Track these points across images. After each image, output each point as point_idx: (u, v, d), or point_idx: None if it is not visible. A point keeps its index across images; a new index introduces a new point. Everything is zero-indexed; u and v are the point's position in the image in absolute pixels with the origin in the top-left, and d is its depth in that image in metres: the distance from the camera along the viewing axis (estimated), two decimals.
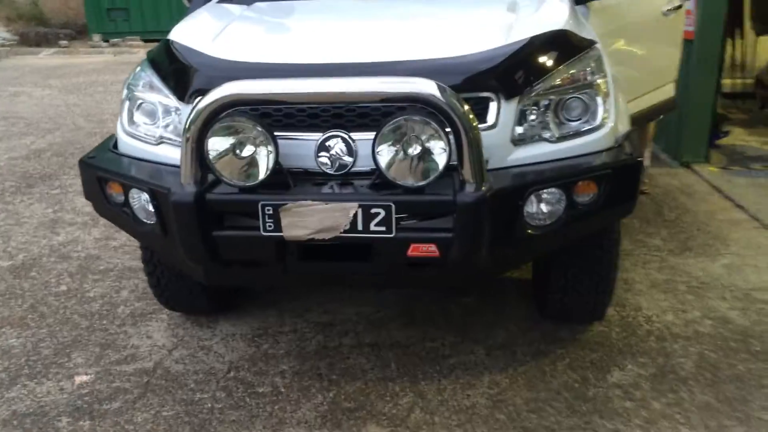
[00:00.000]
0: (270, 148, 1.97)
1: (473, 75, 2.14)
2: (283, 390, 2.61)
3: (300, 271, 2.11)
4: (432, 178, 1.96)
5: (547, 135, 2.21)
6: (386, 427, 2.40)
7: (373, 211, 1.96)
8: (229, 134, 1.98)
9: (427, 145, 1.95)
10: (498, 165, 2.13)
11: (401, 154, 1.95)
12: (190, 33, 2.53)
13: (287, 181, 2.04)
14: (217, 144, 1.98)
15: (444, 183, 1.98)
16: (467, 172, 1.94)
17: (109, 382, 2.69)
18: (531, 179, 2.08)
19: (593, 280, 2.65)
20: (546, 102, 2.21)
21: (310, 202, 1.96)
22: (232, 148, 1.98)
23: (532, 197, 2.07)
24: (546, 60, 2.26)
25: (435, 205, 1.96)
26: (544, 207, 2.10)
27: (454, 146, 1.93)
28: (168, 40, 2.52)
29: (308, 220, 1.96)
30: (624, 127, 2.40)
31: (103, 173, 2.31)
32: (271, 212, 1.98)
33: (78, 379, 2.72)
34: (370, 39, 2.40)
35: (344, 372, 2.71)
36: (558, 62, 2.27)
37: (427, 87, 1.91)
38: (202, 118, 1.95)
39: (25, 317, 3.19)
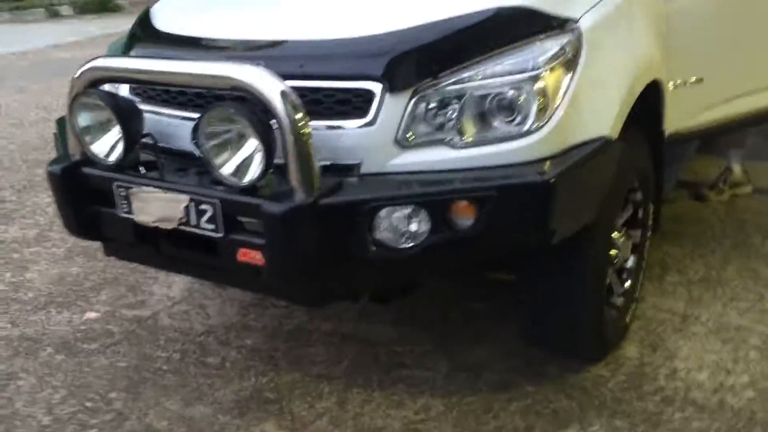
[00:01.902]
0: (122, 128, 1.92)
1: (349, 61, 1.85)
2: (227, 365, 2.62)
3: (170, 255, 2.05)
4: (252, 178, 1.75)
5: (448, 138, 1.83)
6: (283, 429, 2.28)
7: (202, 207, 1.82)
8: (89, 110, 1.97)
9: (246, 140, 1.74)
10: (375, 170, 1.84)
11: (220, 148, 1.78)
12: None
13: (157, 163, 1.98)
14: (81, 119, 1.99)
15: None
16: (292, 175, 1.70)
17: (106, 323, 2.94)
18: (382, 193, 1.75)
19: (566, 313, 2.19)
20: (455, 97, 1.82)
21: (151, 189, 1.89)
22: (95, 125, 1.98)
23: (386, 214, 1.74)
24: (464, 45, 1.86)
25: (249, 209, 1.75)
26: (404, 226, 1.76)
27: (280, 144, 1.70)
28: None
29: (151, 206, 1.90)
30: (583, 135, 1.90)
31: None
32: (123, 194, 1.95)
33: (87, 315, 3.02)
34: (284, 14, 2.16)
35: (295, 359, 2.63)
36: (482, 49, 1.85)
37: (245, 74, 1.69)
38: (71, 92, 1.97)
39: (97, 250, 3.57)
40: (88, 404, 2.45)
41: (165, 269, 2.08)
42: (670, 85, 2.68)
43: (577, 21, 1.97)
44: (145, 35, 2.20)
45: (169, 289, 3.18)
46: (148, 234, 1.98)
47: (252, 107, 1.70)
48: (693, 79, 2.79)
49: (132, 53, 2.10)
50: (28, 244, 3.70)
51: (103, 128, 1.97)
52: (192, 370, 2.61)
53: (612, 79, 2.02)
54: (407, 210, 1.73)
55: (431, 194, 1.74)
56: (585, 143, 1.90)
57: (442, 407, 2.34)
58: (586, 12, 2.02)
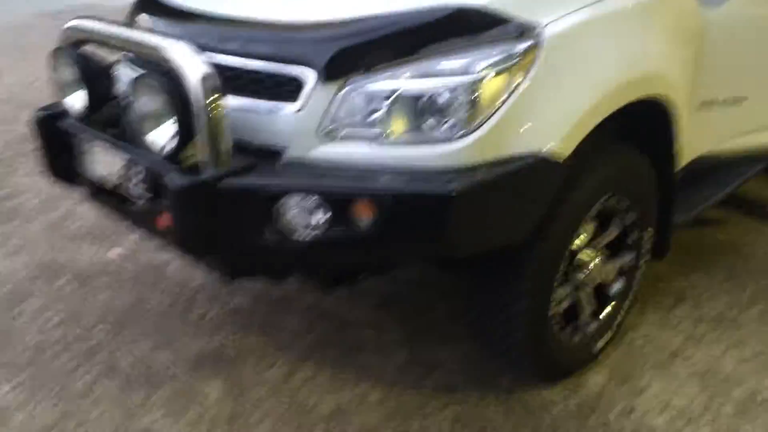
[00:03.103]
0: (86, 87, 2.06)
1: (289, 45, 1.87)
2: (205, 320, 2.78)
3: (132, 214, 2.15)
4: (168, 149, 1.82)
5: (373, 134, 1.82)
6: (226, 390, 2.40)
7: (132, 171, 1.93)
8: (65, 67, 2.13)
9: (159, 111, 1.81)
10: (299, 156, 1.86)
11: (143, 116, 1.86)
12: None
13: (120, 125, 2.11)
14: (59, 73, 2.15)
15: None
16: (200, 152, 1.76)
17: (123, 262, 3.18)
18: (285, 181, 1.77)
19: (501, 325, 2.13)
20: (386, 94, 1.80)
21: (99, 147, 2.03)
22: (69, 81, 2.13)
23: (287, 203, 1.76)
24: (404, 42, 1.82)
25: (160, 178, 1.82)
26: (304, 218, 1.77)
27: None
28: None
29: (98, 163, 2.05)
30: (518, 148, 1.81)
31: None
32: (81, 148, 2.10)
33: (112, 252, 3.28)
34: None
35: (267, 325, 2.74)
36: (422, 47, 1.80)
37: (173, 50, 1.76)
38: (54, 48, 2.14)
39: None
40: (75, 332, 2.69)
41: (122, 221, 2.22)
42: (698, 103, 2.46)
43: (540, 28, 1.85)
44: (144, 3, 2.33)
45: None
46: (106, 189, 2.13)
47: (175, 83, 1.77)
48: (731, 97, 2.54)
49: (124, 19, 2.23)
50: None
51: (75, 85, 2.12)
52: (174, 318, 2.78)
53: (571, 93, 1.88)
54: (308, 202, 1.75)
55: (331, 189, 1.74)
56: (518, 157, 1.81)
57: (378, 396, 2.36)
58: (555, 19, 1.89)
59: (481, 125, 1.78)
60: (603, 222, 2.29)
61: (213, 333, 2.68)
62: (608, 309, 2.44)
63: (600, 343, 2.44)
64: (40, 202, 3.70)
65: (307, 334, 2.68)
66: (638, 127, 2.27)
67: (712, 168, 2.89)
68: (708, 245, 3.25)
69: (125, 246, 3.31)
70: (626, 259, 2.43)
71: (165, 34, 1.94)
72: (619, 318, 2.48)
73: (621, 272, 2.45)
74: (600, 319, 2.42)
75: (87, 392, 2.37)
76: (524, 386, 2.38)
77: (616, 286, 2.45)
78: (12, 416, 2.27)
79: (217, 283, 2.96)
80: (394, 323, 2.73)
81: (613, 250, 2.38)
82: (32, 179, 3.90)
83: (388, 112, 1.80)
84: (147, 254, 3.22)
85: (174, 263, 3.15)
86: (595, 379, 2.42)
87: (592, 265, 2.27)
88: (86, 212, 3.61)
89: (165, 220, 1.87)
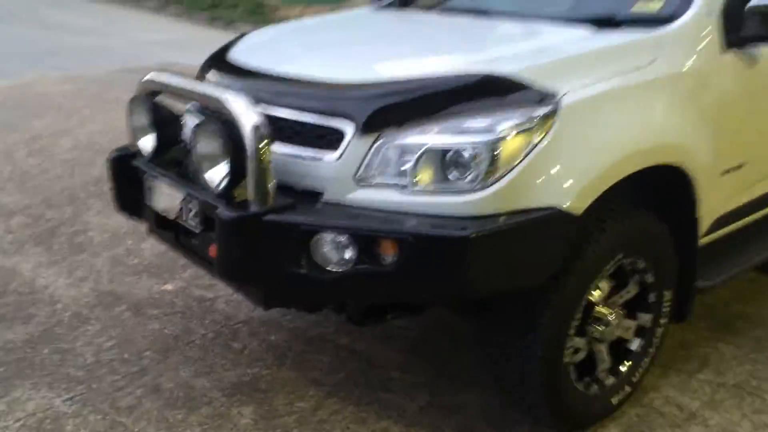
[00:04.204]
0: (155, 131, 2.35)
1: (332, 101, 2.12)
2: (245, 353, 2.97)
3: (186, 246, 2.41)
4: (223, 185, 2.07)
5: (402, 183, 2.02)
6: (257, 415, 2.57)
7: (190, 205, 2.18)
8: (139, 114, 2.42)
9: (216, 153, 2.06)
10: (335, 200, 2.08)
11: (203, 157, 2.12)
12: None
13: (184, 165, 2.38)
14: (134, 119, 2.45)
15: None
16: (249, 190, 2.00)
17: (174, 296, 3.43)
18: (320, 220, 1.98)
19: (513, 371, 2.26)
20: (415, 148, 2.01)
21: (162, 184, 2.30)
22: (142, 126, 2.42)
23: (321, 238, 1.97)
24: (434, 102, 2.04)
25: (212, 211, 2.06)
26: (336, 253, 1.97)
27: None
28: None
29: (161, 198, 2.31)
30: (533, 202, 1.98)
31: None
32: (149, 184, 2.38)
33: (164, 287, 3.54)
34: (307, 55, 2.46)
35: (301, 361, 2.91)
36: (451, 108, 2.02)
37: (232, 103, 2.02)
38: (131, 97, 2.44)
39: None
40: (125, 356, 2.92)
41: (179, 253, 2.46)
42: (720, 170, 2.60)
43: (559, 96, 2.05)
44: (213, 61, 2.65)
45: None
46: (166, 221, 2.38)
47: (231, 129, 2.03)
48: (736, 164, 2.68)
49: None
50: None
51: (147, 129, 2.41)
52: (216, 349, 2.99)
53: (585, 155, 2.06)
54: (340, 238, 1.95)
55: (361, 228, 1.95)
56: (534, 209, 1.98)
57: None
58: (573, 89, 2.09)
59: (501, 179, 1.96)
60: (622, 280, 2.41)
61: (250, 365, 2.87)
62: (626, 365, 2.53)
63: (617, 399, 2.52)
64: (106, 239, 4.02)
65: (338, 372, 2.84)
66: (661, 193, 2.41)
67: (743, 238, 2.99)
68: (737, 314, 3.30)
69: (178, 283, 3.56)
70: (645, 318, 2.53)
71: (227, 88, 2.21)
72: (637, 376, 2.57)
73: (640, 331, 2.54)
74: (618, 375, 2.51)
75: (132, 408, 2.58)
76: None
77: (635, 344, 2.55)
78: (66, 423, 2.49)
79: (258, 320, 3.17)
80: (420, 367, 2.87)
81: (632, 309, 2.49)
82: (101, 219, 4.23)
83: (415, 165, 2.00)
84: (197, 291, 3.46)
85: (221, 300, 3.37)
86: None
87: (609, 319, 2.39)
88: (146, 250, 3.89)
89: (213, 251, 2.10)
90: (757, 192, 2.89)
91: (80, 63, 8.57)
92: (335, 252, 1.97)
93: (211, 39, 6.06)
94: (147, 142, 2.41)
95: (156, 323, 3.18)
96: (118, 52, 9.45)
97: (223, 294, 3.43)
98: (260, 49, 2.67)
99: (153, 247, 3.93)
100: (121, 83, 7.18)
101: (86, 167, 5.06)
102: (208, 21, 13.36)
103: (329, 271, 1.98)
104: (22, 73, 7.74)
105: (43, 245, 3.88)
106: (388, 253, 1.92)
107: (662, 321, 2.58)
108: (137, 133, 2.45)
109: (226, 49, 2.73)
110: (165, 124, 2.38)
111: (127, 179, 2.48)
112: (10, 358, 2.86)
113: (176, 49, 8.20)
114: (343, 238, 1.95)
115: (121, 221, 4.16)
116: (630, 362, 2.54)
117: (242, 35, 2.96)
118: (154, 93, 2.44)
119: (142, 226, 2.65)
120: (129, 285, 3.52)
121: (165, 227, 2.40)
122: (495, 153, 1.96)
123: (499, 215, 1.96)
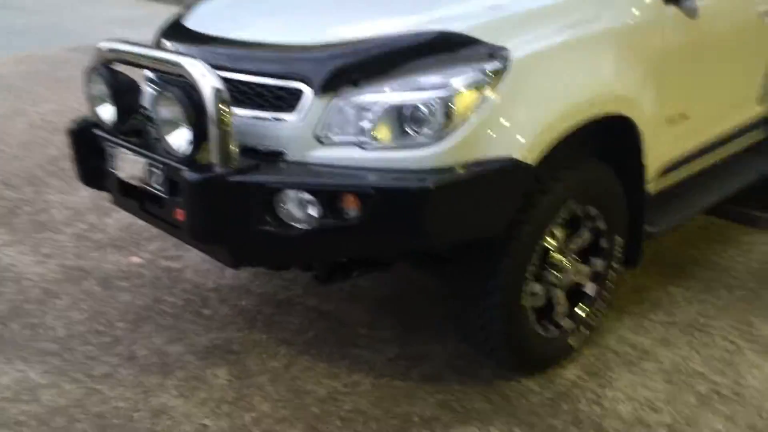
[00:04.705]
0: (114, 100, 2.37)
1: (289, 64, 2.18)
2: (216, 318, 3.03)
3: (151, 213, 2.45)
4: (185, 150, 2.11)
5: (360, 140, 2.09)
6: (231, 376, 2.64)
7: (154, 170, 2.22)
8: (97, 83, 2.44)
9: (177, 118, 2.11)
10: (298, 159, 2.14)
11: (164, 122, 2.16)
12: None
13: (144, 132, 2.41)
14: (92, 89, 2.46)
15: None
16: (212, 153, 2.05)
17: (142, 268, 3.46)
18: (283, 178, 2.04)
19: (477, 314, 2.36)
20: (371, 106, 2.08)
21: (125, 151, 2.33)
22: (100, 95, 2.44)
23: (285, 196, 2.04)
24: (388, 61, 2.10)
25: (178, 175, 2.11)
26: (300, 209, 2.04)
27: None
28: None
29: (126, 166, 2.34)
30: (487, 153, 2.07)
31: None
32: (111, 153, 2.40)
33: (131, 259, 3.56)
34: (263, 20, 2.51)
35: (271, 323, 2.98)
36: (404, 66, 2.09)
37: (191, 67, 2.06)
38: (89, 66, 2.45)
39: None
40: (98, 327, 2.96)
41: (143, 220, 2.50)
42: (665, 120, 2.72)
43: (509, 51, 2.13)
44: (168, 30, 2.66)
45: None
46: (130, 189, 2.42)
47: (191, 94, 2.07)
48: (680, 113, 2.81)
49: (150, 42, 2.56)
50: None
51: (105, 99, 2.43)
52: (187, 316, 3.04)
53: (535, 107, 2.15)
54: (303, 195, 2.02)
55: (323, 185, 2.02)
56: (489, 160, 2.07)
57: (369, 385, 2.59)
58: (522, 44, 2.17)
59: (457, 132, 2.04)
60: (576, 228, 2.53)
61: (222, 329, 2.94)
62: (582, 308, 2.66)
63: (574, 341, 2.66)
64: (69, 216, 4.01)
65: (307, 332, 2.92)
66: (610, 143, 2.52)
67: (689, 186, 3.14)
68: (688, 259, 3.46)
69: (144, 255, 3.59)
70: (598, 264, 2.66)
71: (185, 55, 2.24)
72: (593, 319, 2.70)
73: (595, 276, 2.68)
74: (575, 318, 2.64)
75: (108, 376, 2.63)
76: (504, 378, 2.60)
77: (590, 289, 2.68)
78: (42, 393, 2.53)
79: (227, 286, 3.23)
80: (387, 323, 2.97)
81: (586, 255, 2.62)
82: (62, 197, 4.22)
83: (373, 122, 2.07)
84: (164, 262, 3.50)
85: (189, 270, 3.42)
86: (569, 372, 2.64)
87: (564, 265, 2.51)
88: (109, 225, 3.90)
89: (179, 214, 2.15)
90: (701, 140, 3.04)
91: (33, 42, 8.39)
92: (300, 209, 2.04)
93: None
94: (107, 112, 2.43)
95: (126, 295, 3.21)
96: (73, 30, 9.25)
97: (191, 264, 3.47)
98: (214, 15, 2.70)
99: (117, 221, 3.94)
100: (75, 62, 7.07)
101: (42, 147, 5.01)
102: None
103: (295, 227, 2.04)
104: None
105: (4, 226, 3.86)
106: (351, 208, 1.99)
107: (615, 266, 2.71)
108: (95, 102, 2.47)
109: (179, 17, 2.75)
110: (124, 92, 2.39)
111: (89, 150, 2.49)
112: None
113: (134, 26, 8.05)
114: (306, 195, 2.02)
115: (82, 198, 4.17)
116: (586, 306, 2.68)
117: (194, 4, 2.98)
118: (111, 61, 2.45)
119: (105, 202, 2.67)
120: (95, 259, 3.54)
121: (129, 196, 2.43)
122: (450, 107, 2.04)
123: (456, 167, 2.04)
